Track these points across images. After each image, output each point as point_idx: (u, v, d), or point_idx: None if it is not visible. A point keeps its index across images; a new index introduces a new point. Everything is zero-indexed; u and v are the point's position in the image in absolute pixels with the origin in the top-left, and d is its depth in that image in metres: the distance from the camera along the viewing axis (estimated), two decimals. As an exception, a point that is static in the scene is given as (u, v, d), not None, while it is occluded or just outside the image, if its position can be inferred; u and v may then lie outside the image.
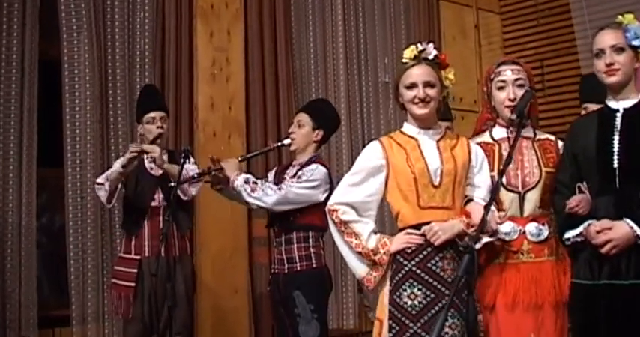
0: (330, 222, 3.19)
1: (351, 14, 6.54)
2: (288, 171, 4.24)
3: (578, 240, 3.13)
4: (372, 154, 3.18)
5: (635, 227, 2.98)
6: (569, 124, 3.51)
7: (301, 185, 4.04)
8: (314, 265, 4.09)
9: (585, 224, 3.10)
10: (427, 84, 3.09)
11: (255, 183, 4.05)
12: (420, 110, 3.11)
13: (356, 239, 3.10)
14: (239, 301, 5.61)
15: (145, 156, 4.25)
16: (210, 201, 5.02)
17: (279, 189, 4.02)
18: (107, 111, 5.19)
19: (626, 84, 3.15)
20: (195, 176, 4.14)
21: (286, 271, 4.10)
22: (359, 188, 3.15)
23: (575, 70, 6.71)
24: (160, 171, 4.33)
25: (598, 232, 3.02)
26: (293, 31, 6.16)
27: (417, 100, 3.09)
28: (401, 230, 3.12)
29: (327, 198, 4.02)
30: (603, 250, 3.01)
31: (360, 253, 3.11)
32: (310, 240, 4.10)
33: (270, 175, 4.38)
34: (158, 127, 4.36)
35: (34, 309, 4.76)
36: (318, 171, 4.09)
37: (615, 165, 3.09)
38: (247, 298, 5.67)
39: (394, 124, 6.71)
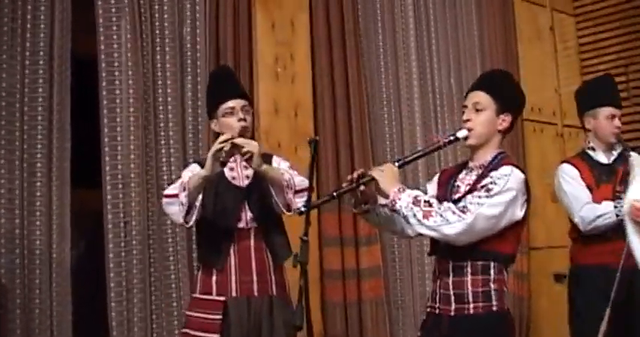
0: None
1: (422, 11, 5.61)
2: (461, 178, 3.12)
3: None
4: None
5: None
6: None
7: (494, 201, 2.87)
8: (494, 308, 2.94)
9: None
10: None
11: (429, 203, 2.90)
12: None
13: None
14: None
15: (234, 157, 3.26)
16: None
17: (463, 211, 2.86)
18: (155, 115, 4.20)
19: None
20: (335, 195, 2.98)
21: (453, 313, 2.97)
22: None
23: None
24: (246, 182, 3.31)
25: None
26: (361, 28, 5.20)
27: None
28: None
29: (526, 214, 2.99)
30: None
31: None
32: (492, 272, 2.96)
33: (431, 187, 3.26)
34: (240, 120, 3.30)
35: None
36: (514, 176, 2.93)
37: None
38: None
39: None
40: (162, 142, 4.20)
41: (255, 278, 3.19)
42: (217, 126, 3.36)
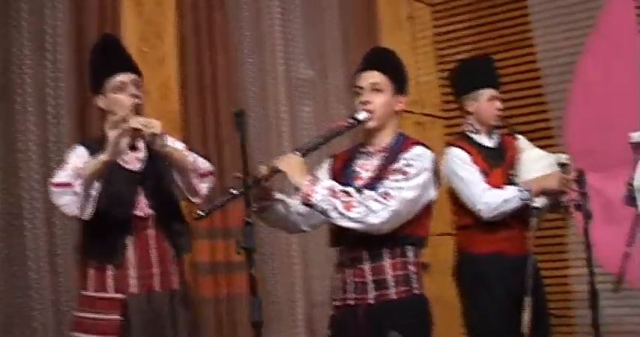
0: None
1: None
2: (360, 164, 2.96)
3: None
4: None
5: None
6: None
7: (413, 184, 2.75)
8: (415, 291, 2.85)
9: None
10: None
11: (348, 193, 2.72)
12: None
13: None
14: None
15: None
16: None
17: (385, 198, 2.71)
18: (12, 98, 3.76)
19: None
20: (236, 193, 2.72)
21: (372, 301, 2.82)
22: None
23: (530, 64, 5.92)
24: (139, 165, 3.00)
25: None
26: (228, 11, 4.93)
27: None
28: None
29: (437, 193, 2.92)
30: None
31: None
32: (409, 254, 2.85)
33: (321, 175, 3.02)
34: (132, 96, 2.98)
35: None
36: (426, 156, 2.84)
37: None
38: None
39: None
40: (22, 128, 3.77)
41: (156, 271, 2.91)
42: (104, 103, 3.03)
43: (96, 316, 2.87)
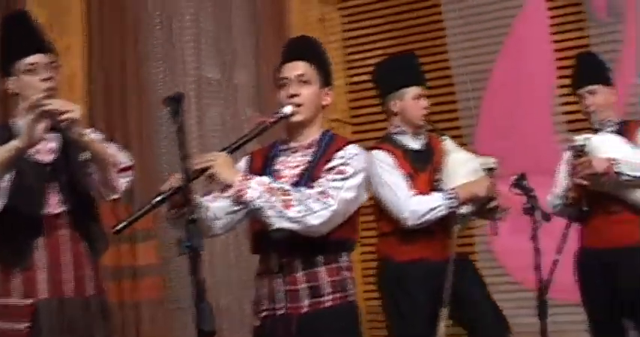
0: None
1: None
2: (282, 161, 2.74)
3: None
4: None
5: None
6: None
7: (350, 184, 2.57)
8: (350, 298, 2.64)
9: None
10: None
11: (285, 191, 2.51)
12: None
13: None
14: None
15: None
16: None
17: (323, 195, 2.52)
18: None
19: None
20: (159, 200, 2.41)
21: (306, 309, 2.59)
22: None
23: (443, 70, 5.86)
24: (51, 157, 2.74)
25: None
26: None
27: None
28: None
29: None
30: None
31: None
32: (343, 259, 2.66)
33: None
34: (45, 80, 2.73)
35: None
36: (362, 156, 2.66)
37: None
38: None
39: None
40: None
41: (69, 275, 2.66)
42: (15, 86, 2.77)
43: (0, 326, 2.61)
